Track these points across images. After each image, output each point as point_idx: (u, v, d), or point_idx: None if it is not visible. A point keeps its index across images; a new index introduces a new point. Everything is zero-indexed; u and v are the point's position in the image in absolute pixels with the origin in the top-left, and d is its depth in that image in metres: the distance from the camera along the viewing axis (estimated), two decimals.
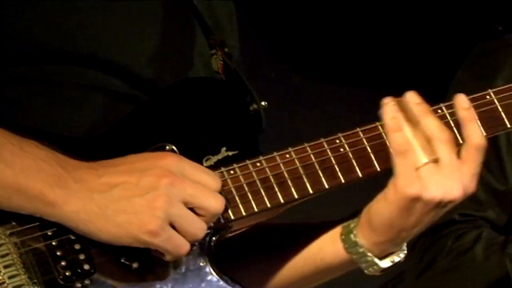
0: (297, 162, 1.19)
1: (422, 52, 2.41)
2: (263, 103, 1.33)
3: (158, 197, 1.14)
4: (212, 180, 1.17)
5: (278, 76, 3.02)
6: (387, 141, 1.24)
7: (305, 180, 1.18)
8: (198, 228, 1.14)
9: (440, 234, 1.92)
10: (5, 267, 1.11)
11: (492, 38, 2.06)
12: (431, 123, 1.20)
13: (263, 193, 1.19)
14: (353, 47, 3.28)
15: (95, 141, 1.25)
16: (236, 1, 1.58)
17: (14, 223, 1.13)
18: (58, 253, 1.13)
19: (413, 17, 3.32)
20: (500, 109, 1.24)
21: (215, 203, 1.15)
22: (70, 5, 1.31)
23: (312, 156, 1.18)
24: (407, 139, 1.20)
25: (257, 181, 1.19)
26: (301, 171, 1.19)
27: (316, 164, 1.18)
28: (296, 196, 1.20)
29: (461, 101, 1.22)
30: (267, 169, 1.19)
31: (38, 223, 1.13)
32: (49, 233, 1.13)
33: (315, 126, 2.46)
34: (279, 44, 3.02)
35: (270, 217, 1.30)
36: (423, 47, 2.45)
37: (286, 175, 1.19)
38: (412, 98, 1.21)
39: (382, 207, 1.22)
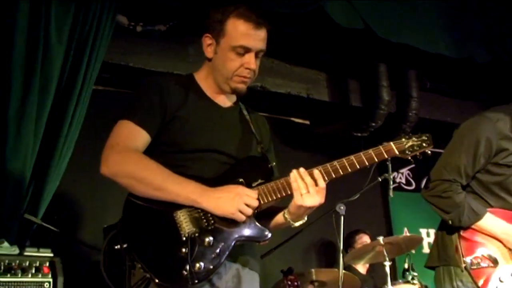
0: (279, 185, 2.23)
1: None
2: (273, 163, 2.35)
3: (234, 201, 2.12)
4: (254, 194, 2.16)
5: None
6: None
7: (282, 191, 2.23)
8: (249, 212, 2.14)
9: None
10: (185, 223, 2.10)
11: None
12: (308, 178, 2.17)
13: (272, 194, 2.21)
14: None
15: (215, 179, 2.21)
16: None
17: (187, 207, 2.11)
18: (202, 217, 2.13)
19: None
20: (338, 167, 2.22)
21: (255, 203, 2.15)
22: (208, 136, 2.28)
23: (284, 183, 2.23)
24: (299, 184, 2.17)
25: (271, 190, 2.21)
26: (281, 188, 2.23)
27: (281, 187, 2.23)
28: (279, 196, 2.21)
29: (316, 172, 2.19)
30: (274, 186, 2.21)
31: (194, 208, 2.11)
32: (199, 211, 2.13)
33: None
34: None
35: (274, 203, 2.26)
36: None
37: (280, 187, 2.23)
38: (301, 169, 2.18)
39: (291, 207, 2.24)
